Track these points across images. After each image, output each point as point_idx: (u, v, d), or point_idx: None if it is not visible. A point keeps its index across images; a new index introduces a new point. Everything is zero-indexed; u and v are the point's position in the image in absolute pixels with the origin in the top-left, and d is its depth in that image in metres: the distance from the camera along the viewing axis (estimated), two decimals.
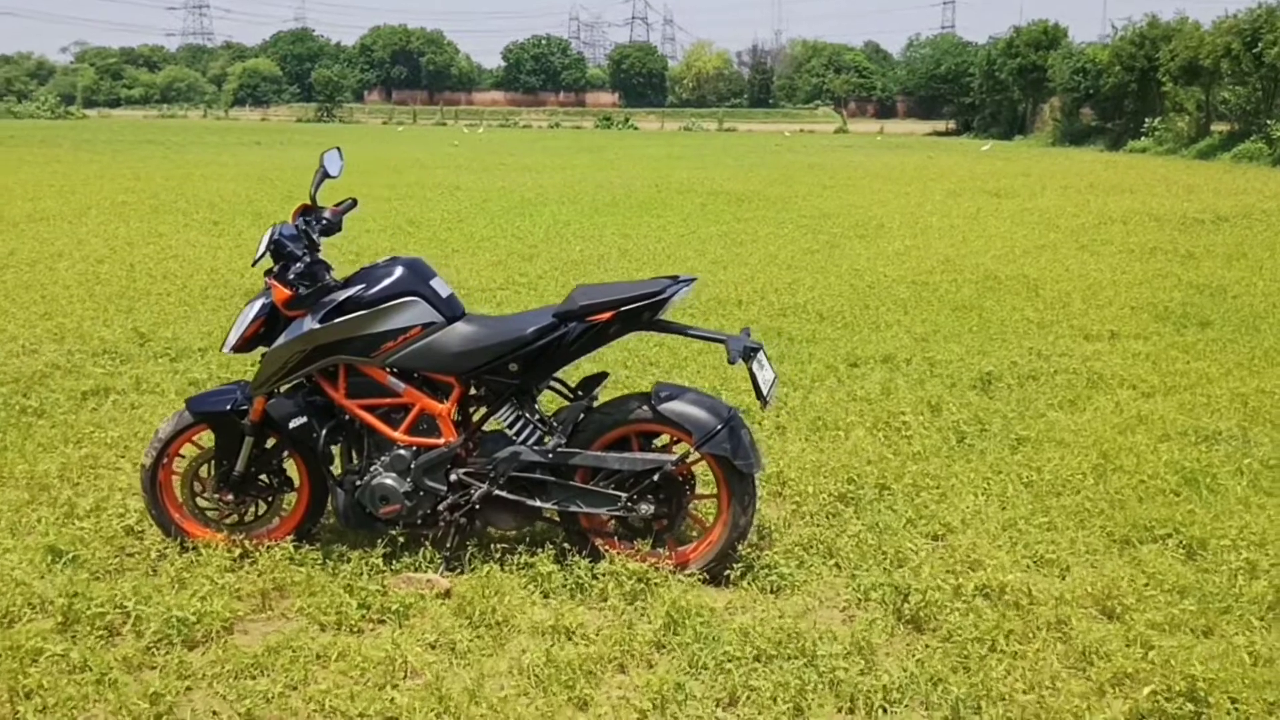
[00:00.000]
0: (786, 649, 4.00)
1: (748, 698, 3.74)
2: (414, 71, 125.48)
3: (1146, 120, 47.60)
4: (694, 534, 4.85)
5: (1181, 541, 4.97)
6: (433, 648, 4.08)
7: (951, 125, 76.96)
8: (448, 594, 4.45)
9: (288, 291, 4.53)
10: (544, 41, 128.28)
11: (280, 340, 4.61)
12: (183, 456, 4.91)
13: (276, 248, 4.61)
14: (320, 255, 4.68)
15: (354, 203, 5.05)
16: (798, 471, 5.78)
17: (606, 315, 4.46)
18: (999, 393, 7.45)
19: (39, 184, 22.20)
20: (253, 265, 4.91)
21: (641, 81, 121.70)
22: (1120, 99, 51.28)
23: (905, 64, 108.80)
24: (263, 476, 4.90)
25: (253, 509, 4.94)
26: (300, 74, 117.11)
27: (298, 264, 4.56)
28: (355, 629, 4.22)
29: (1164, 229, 16.71)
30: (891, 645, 4.14)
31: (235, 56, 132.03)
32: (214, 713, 3.66)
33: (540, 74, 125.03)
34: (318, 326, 4.54)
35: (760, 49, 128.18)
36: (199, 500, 4.89)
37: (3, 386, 7.27)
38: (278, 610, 4.39)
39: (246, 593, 4.44)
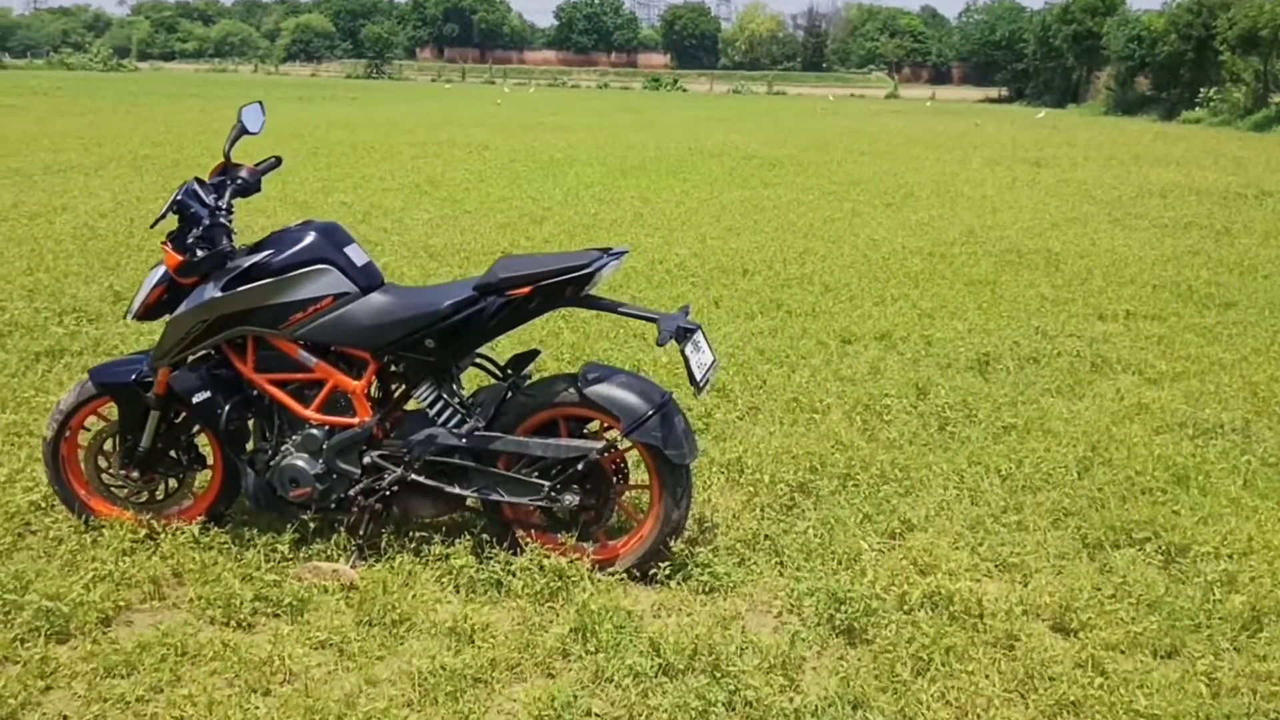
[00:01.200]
0: (697, 662, 3.65)
1: (646, 717, 3.40)
2: (466, 29, 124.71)
3: (1202, 90, 46.44)
4: (634, 526, 4.49)
5: (1160, 547, 4.55)
6: (320, 647, 3.77)
7: (1004, 92, 75.54)
8: (353, 587, 4.13)
9: (178, 256, 4.20)
10: (597, 1, 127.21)
11: (181, 308, 4.28)
12: (87, 429, 4.61)
13: (180, 209, 4.28)
14: (225, 219, 4.32)
15: (277, 161, 4.69)
16: (758, 458, 5.39)
17: (525, 290, 4.11)
18: (995, 375, 7.02)
19: (67, 135, 22.06)
20: (151, 227, 4.58)
21: (694, 43, 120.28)
22: (1176, 68, 50.01)
23: (959, 29, 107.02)
24: (172, 452, 4.58)
25: (163, 486, 4.63)
26: (353, 30, 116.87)
27: (196, 227, 4.22)
28: (245, 623, 3.91)
29: (1203, 203, 16.06)
30: (820, 659, 3.78)
31: (289, 11, 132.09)
32: (64, 717, 3.36)
33: (592, 34, 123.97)
34: (220, 295, 4.21)
35: (815, 12, 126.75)
36: (104, 477, 4.59)
37: None
38: (170, 599, 4.09)
39: (138, 579, 4.13)
